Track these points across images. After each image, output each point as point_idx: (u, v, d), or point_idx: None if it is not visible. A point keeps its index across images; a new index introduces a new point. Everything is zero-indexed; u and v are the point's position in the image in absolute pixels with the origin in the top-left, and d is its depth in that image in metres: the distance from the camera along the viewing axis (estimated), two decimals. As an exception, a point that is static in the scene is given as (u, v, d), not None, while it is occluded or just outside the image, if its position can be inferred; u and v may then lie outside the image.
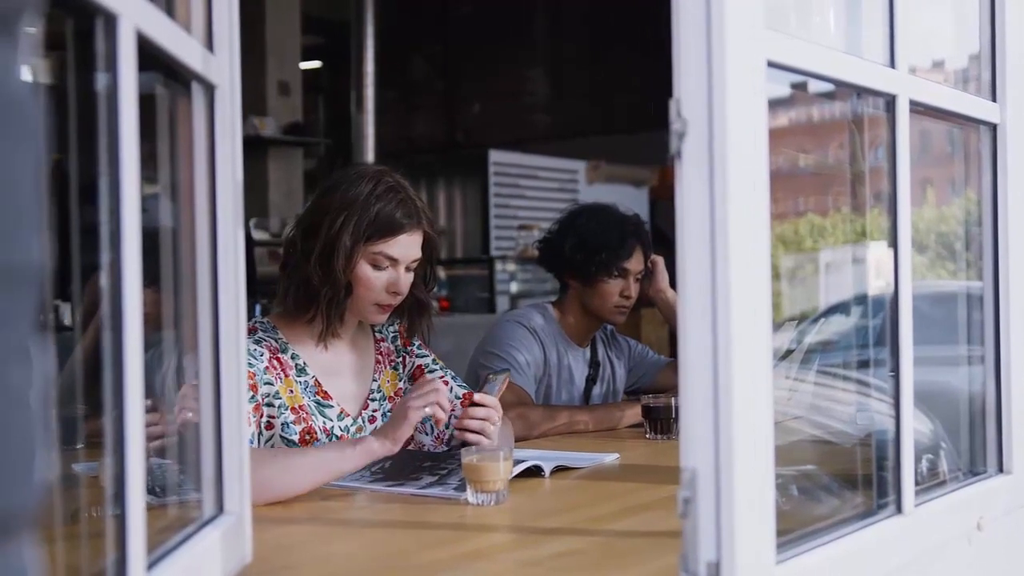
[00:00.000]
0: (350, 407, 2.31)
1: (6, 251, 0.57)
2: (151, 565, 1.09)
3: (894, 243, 1.54)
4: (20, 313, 0.59)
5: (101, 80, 1.02)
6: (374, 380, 2.38)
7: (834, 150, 2.05)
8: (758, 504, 1.21)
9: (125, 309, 1.01)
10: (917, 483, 1.56)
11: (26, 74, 0.62)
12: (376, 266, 2.23)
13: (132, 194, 1.02)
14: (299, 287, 2.24)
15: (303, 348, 2.29)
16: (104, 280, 1.01)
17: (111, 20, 1.00)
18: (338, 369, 2.33)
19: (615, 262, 3.00)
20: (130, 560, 1.01)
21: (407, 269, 2.27)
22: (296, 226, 2.30)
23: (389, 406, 2.38)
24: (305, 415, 2.21)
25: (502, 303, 7.32)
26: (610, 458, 2.38)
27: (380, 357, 2.42)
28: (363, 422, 2.32)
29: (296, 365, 2.26)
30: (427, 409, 2.01)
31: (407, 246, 2.25)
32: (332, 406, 2.27)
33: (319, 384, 2.27)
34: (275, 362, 2.21)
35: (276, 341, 2.26)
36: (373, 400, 2.37)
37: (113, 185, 1.01)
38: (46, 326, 0.66)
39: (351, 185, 2.22)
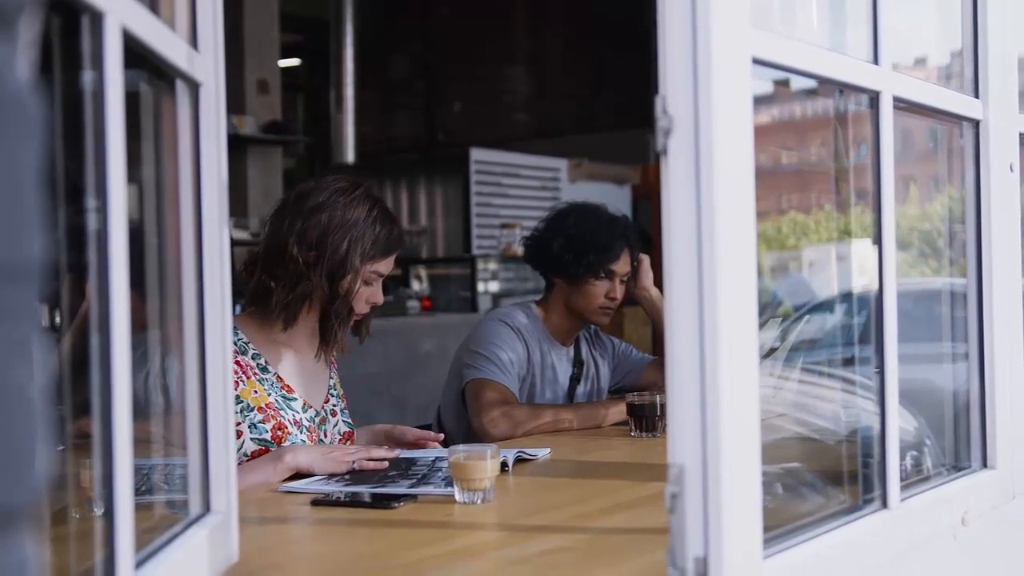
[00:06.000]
0: (312, 400, 2.39)
1: (9, 247, 0.58)
2: (138, 564, 1.09)
3: (878, 239, 1.55)
4: (23, 309, 0.59)
5: (86, 77, 1.01)
6: (330, 378, 2.48)
7: (816, 147, 2.05)
8: (745, 499, 1.21)
9: (112, 309, 1.00)
10: (902, 479, 1.57)
11: (26, 71, 0.62)
12: (368, 283, 2.33)
13: (119, 193, 1.01)
14: (299, 300, 2.28)
15: (266, 348, 2.34)
16: (91, 281, 1.00)
17: (97, 17, 0.99)
18: (299, 367, 2.39)
19: (603, 264, 2.99)
20: (118, 559, 1.00)
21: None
22: (278, 233, 2.30)
23: (343, 404, 2.50)
24: (273, 412, 2.28)
25: (484, 302, 7.31)
26: (542, 453, 2.39)
27: (332, 358, 2.50)
28: (326, 414, 2.42)
29: (258, 364, 2.31)
30: (355, 464, 2.15)
31: (392, 262, 2.38)
32: (296, 399, 2.34)
33: (281, 379, 2.33)
34: (235, 366, 2.23)
35: (235, 343, 2.27)
36: (332, 396, 2.47)
37: (100, 184, 1.00)
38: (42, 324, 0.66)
39: (347, 206, 2.29)
